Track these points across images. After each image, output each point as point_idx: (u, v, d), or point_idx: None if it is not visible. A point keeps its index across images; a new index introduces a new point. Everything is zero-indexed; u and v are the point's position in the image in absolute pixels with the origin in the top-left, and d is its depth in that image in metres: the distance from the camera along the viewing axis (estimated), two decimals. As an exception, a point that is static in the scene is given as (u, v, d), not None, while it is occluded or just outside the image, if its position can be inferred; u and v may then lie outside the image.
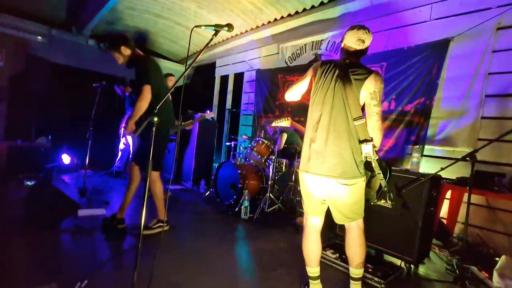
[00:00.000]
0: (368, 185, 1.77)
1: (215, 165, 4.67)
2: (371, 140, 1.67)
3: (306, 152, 1.80)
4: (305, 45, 4.79)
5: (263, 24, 5.14)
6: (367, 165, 1.71)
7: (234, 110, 6.17)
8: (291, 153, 3.99)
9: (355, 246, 1.79)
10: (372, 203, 1.85)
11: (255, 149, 3.83)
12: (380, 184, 1.75)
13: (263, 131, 4.24)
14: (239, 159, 4.32)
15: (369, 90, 1.66)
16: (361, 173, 1.69)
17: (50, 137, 5.28)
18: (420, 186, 2.31)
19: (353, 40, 1.75)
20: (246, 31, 5.49)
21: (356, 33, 1.75)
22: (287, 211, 3.66)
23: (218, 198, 3.95)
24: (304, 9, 4.43)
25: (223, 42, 6.16)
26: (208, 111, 4.20)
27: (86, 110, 4.30)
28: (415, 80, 3.39)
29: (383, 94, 2.90)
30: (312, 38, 4.65)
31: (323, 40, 4.52)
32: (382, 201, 1.86)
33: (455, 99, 3.16)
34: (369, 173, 1.73)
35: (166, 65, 7.35)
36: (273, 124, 3.02)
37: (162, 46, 6.98)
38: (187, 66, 1.89)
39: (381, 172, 1.71)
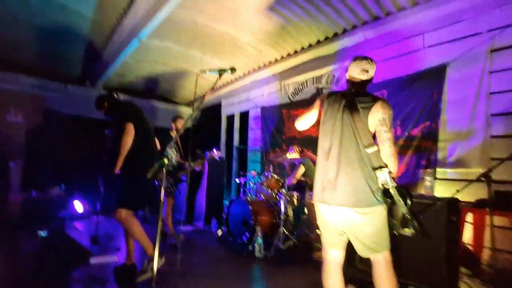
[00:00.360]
0: (390, 213, 1.71)
1: (226, 202, 4.63)
2: (386, 166, 1.65)
3: (319, 183, 1.79)
4: (306, 80, 4.98)
5: (265, 65, 5.41)
6: (386, 192, 1.67)
7: (242, 147, 6.26)
8: (303, 186, 3.96)
9: (384, 281, 1.67)
10: (396, 233, 1.76)
11: (264, 183, 3.82)
12: (402, 211, 1.68)
13: (271, 166, 4.25)
14: (249, 195, 4.29)
15: (378, 117, 1.67)
16: (379, 200, 1.65)
17: (63, 186, 5.39)
18: (437, 210, 2.24)
19: (357, 71, 1.79)
20: (249, 72, 5.77)
21: (359, 63, 1.80)
22: (304, 247, 3.52)
23: (230, 237, 3.86)
24: (302, 48, 4.68)
25: (227, 84, 6.46)
26: (215, 151, 4.21)
27: (97, 158, 4.45)
28: (417, 105, 3.44)
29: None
30: (313, 73, 4.85)
31: (322, 75, 4.71)
32: (406, 230, 1.78)
33: (461, 121, 3.17)
34: (389, 200, 1.68)
35: (174, 108, 7.69)
36: (288, 157, 3.02)
37: (170, 91, 7.33)
38: (194, 108, 1.99)
39: (400, 199, 1.64)
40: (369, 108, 1.69)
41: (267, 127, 5.52)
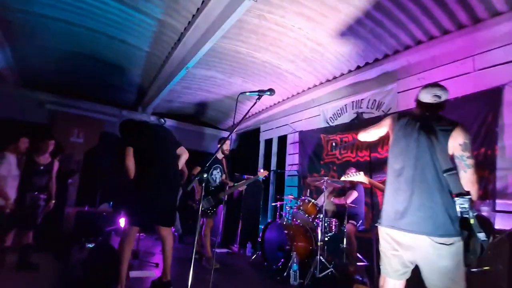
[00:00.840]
0: (466, 247, 1.52)
1: (262, 226, 4.57)
2: (468, 193, 1.51)
3: (390, 206, 1.68)
4: (345, 105, 4.93)
5: (303, 91, 5.49)
6: (463, 223, 1.51)
7: (279, 171, 6.24)
8: (342, 213, 3.79)
9: None
10: (471, 270, 1.59)
11: (301, 207, 3.72)
12: (482, 246, 1.49)
13: (308, 190, 4.16)
14: (285, 219, 4.19)
15: (459, 141, 1.58)
16: (458, 231, 1.50)
17: (111, 203, 5.79)
18: (499, 244, 1.99)
19: (428, 96, 1.74)
20: (288, 97, 5.90)
21: (431, 89, 1.74)
22: (342, 278, 3.30)
23: (265, 262, 3.76)
24: (342, 74, 4.70)
25: (266, 109, 6.63)
26: (261, 170, 4.18)
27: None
28: (469, 130, 3.19)
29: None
30: (352, 98, 4.80)
31: (363, 99, 4.63)
32: (485, 267, 1.59)
33: (523, 147, 2.86)
34: (466, 232, 1.51)
35: (218, 134, 8.14)
36: (343, 179, 2.85)
37: (213, 117, 7.72)
38: (233, 129, 2.08)
39: (482, 231, 1.48)
40: (449, 132, 1.61)
41: (305, 152, 5.48)
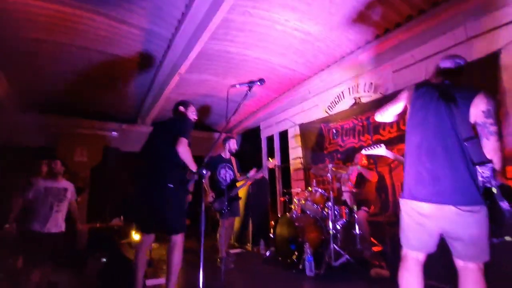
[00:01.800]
0: (489, 217, 1.49)
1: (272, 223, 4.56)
2: (490, 162, 1.48)
3: (411, 178, 1.64)
4: (342, 92, 4.90)
5: (298, 83, 5.47)
6: (486, 192, 1.48)
7: (283, 165, 6.23)
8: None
9: None
10: (493, 240, 1.53)
11: (309, 198, 3.70)
12: (505, 215, 1.45)
13: (315, 181, 4.13)
14: (295, 212, 4.17)
15: (481, 108, 1.54)
16: (482, 200, 1.47)
17: (122, 216, 5.83)
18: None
19: (448, 62, 1.75)
20: (284, 92, 5.88)
21: (449, 57, 1.78)
22: (358, 264, 3.26)
23: (279, 257, 3.74)
24: (335, 61, 4.67)
25: (264, 107, 6.61)
26: (270, 159, 4.03)
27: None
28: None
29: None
30: (348, 84, 4.77)
31: (359, 84, 4.60)
32: (507, 238, 1.55)
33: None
34: (488, 202, 1.48)
35: (210, 137, 8.08)
36: (364, 152, 2.55)
37: (212, 120, 7.72)
38: (226, 125, 2.07)
39: (505, 201, 1.45)
40: (470, 99, 1.56)
41: (307, 144, 5.45)
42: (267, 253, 4.15)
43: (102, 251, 4.61)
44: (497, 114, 1.56)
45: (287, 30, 3.88)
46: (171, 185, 2.37)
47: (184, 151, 2.39)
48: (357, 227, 3.56)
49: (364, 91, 4.48)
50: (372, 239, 3.64)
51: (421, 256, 1.62)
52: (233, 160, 4.20)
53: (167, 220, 2.38)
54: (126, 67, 4.85)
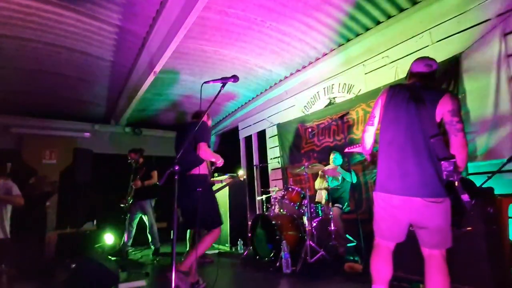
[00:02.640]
0: (452, 209, 1.62)
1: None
2: (453, 157, 1.60)
3: (383, 173, 1.75)
4: (317, 92, 5.01)
5: (275, 84, 5.53)
6: (449, 185, 1.60)
7: (261, 165, 6.27)
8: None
9: (440, 277, 1.58)
10: (456, 230, 1.67)
11: (286, 197, 3.75)
12: (465, 207, 1.60)
13: (291, 179, 4.19)
14: (272, 211, 4.20)
15: (447, 108, 1.65)
16: (446, 192, 1.59)
17: (95, 221, 5.59)
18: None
19: (421, 65, 1.87)
20: (261, 92, 5.91)
21: (423, 60, 1.90)
22: (333, 259, 3.35)
23: (257, 255, 3.75)
24: (310, 62, 4.77)
25: (242, 107, 6.62)
26: (240, 172, 4.26)
27: (124, 190, 4.66)
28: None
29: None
30: (323, 84, 4.89)
31: (333, 84, 4.72)
32: (468, 228, 1.69)
33: (484, 110, 3.01)
34: (451, 195, 1.61)
35: None
36: (347, 151, 2.82)
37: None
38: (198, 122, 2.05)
39: (466, 193, 1.58)
40: (436, 100, 1.68)
41: (284, 144, 5.52)
42: (245, 252, 4.15)
43: (72, 257, 4.40)
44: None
45: (263, 30, 3.92)
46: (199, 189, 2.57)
47: (205, 154, 2.70)
48: (332, 223, 3.66)
49: (339, 92, 4.62)
50: (346, 235, 3.74)
51: (391, 245, 1.74)
52: None
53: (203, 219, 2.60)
54: (98, 65, 4.67)
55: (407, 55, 3.70)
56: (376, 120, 1.93)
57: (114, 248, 4.88)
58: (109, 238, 5.36)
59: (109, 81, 5.22)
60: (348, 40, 4.11)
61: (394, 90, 1.85)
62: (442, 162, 1.59)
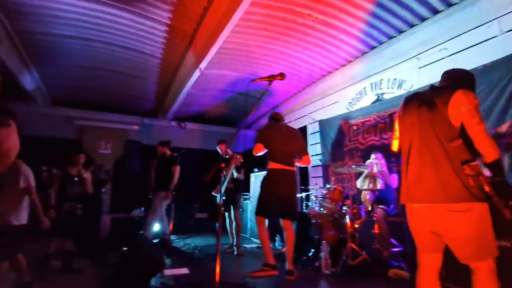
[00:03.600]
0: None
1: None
2: (476, 159, 1.48)
3: (404, 183, 1.71)
4: (364, 88, 4.77)
5: (319, 79, 5.39)
6: (480, 189, 1.46)
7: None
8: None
9: None
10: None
11: (327, 196, 3.65)
12: (504, 213, 1.45)
13: (333, 178, 4.07)
14: (312, 209, 4.13)
15: (461, 109, 1.52)
16: (476, 196, 1.44)
17: (143, 208, 6.01)
18: None
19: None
20: (303, 88, 5.81)
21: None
22: (376, 263, 3.19)
23: (295, 253, 3.72)
24: (357, 56, 4.56)
25: (283, 103, 6.57)
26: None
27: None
28: (501, 97, 2.97)
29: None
30: (370, 80, 4.64)
31: (382, 79, 4.46)
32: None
33: None
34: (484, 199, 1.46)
35: (229, 132, 8.04)
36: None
37: (231, 116, 7.75)
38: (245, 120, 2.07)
39: (499, 198, 1.43)
40: (447, 100, 1.56)
41: (326, 141, 5.37)
42: (283, 249, 4.14)
43: (123, 240, 4.79)
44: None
45: (308, 24, 3.82)
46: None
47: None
48: (376, 226, 3.48)
49: (388, 87, 4.34)
50: (391, 240, 3.54)
51: (435, 261, 1.62)
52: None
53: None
54: (149, 63, 4.96)
55: (469, 47, 3.35)
56: (398, 133, 1.89)
57: (159, 235, 5.20)
58: (154, 225, 5.73)
59: (158, 77, 5.51)
60: (401, 32, 3.84)
61: (408, 99, 1.81)
62: (465, 166, 1.46)
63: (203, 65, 4.42)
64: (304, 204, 4.51)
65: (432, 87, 1.75)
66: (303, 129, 6.30)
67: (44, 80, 5.54)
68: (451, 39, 3.51)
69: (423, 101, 1.68)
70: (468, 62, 3.20)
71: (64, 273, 3.30)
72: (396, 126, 1.88)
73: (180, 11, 3.60)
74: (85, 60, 4.92)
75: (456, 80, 1.73)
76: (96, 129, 6.67)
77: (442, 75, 1.82)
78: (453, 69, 1.82)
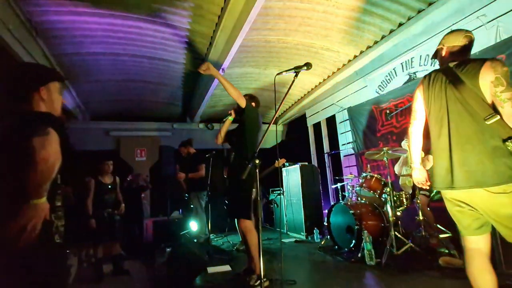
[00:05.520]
0: None
1: (326, 211, 4.46)
2: None
3: (437, 168, 1.63)
4: (394, 69, 4.53)
5: (344, 65, 5.20)
6: None
7: (333, 152, 6.03)
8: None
9: None
10: None
11: (364, 184, 3.52)
12: None
13: (369, 166, 3.91)
14: (349, 200, 4.01)
15: (490, 79, 1.43)
16: None
17: (181, 210, 6.23)
18: None
19: (460, 38, 1.67)
20: (328, 76, 5.63)
21: (459, 32, 1.69)
22: (424, 252, 3.02)
23: (335, 245, 3.65)
24: (383, 36, 4.32)
25: (308, 94, 6.44)
26: (278, 160, 4.30)
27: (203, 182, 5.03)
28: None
29: None
30: (400, 59, 4.39)
31: (413, 57, 4.20)
32: None
33: None
34: None
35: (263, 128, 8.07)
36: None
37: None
38: (274, 116, 2.05)
39: None
40: (476, 74, 1.47)
41: (357, 128, 5.19)
42: (323, 242, 4.08)
43: (166, 242, 5.00)
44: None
45: (328, 10, 3.69)
46: None
47: None
48: (420, 212, 3.30)
49: (420, 65, 4.08)
50: (438, 225, 3.34)
51: (477, 243, 1.52)
52: None
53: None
54: (173, 69, 5.10)
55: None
56: (418, 115, 1.80)
57: (198, 235, 5.37)
58: (193, 226, 5.92)
59: (183, 82, 5.66)
60: (430, 4, 3.57)
61: (430, 79, 1.70)
62: (507, 143, 1.34)
63: (225, 64, 4.45)
64: (340, 195, 4.39)
65: (453, 64, 1.62)
66: (332, 119, 6.15)
67: (81, 97, 5.92)
68: (490, 3, 3.20)
69: (448, 79, 1.58)
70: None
71: (116, 275, 3.52)
72: (418, 107, 1.79)
73: (198, 14, 3.65)
74: (115, 74, 5.18)
75: (468, 51, 1.65)
76: (131, 139, 7.02)
77: (452, 51, 1.68)
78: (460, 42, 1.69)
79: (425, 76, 1.75)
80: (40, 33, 3.74)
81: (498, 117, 1.39)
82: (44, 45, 3.98)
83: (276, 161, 4.37)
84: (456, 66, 1.58)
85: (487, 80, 1.43)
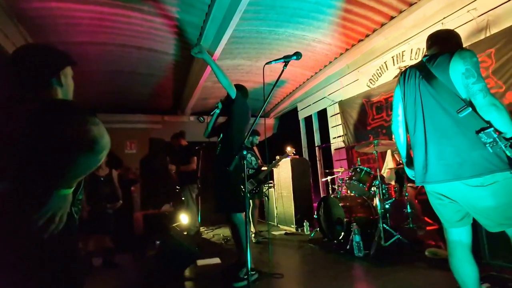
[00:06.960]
0: None
1: (316, 204, 4.49)
2: (488, 126, 1.33)
3: (415, 164, 1.63)
4: (385, 62, 4.53)
5: (335, 58, 5.18)
6: (503, 157, 1.35)
7: (324, 145, 6.05)
8: (401, 175, 3.53)
9: None
10: None
11: (354, 177, 3.55)
12: None
13: (359, 159, 3.94)
14: (339, 192, 4.04)
15: (460, 71, 1.41)
16: (498, 166, 1.33)
17: (171, 203, 6.19)
18: None
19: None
20: (320, 69, 5.62)
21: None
22: (411, 243, 3.08)
23: (325, 238, 3.69)
24: (374, 30, 4.31)
25: (300, 87, 6.42)
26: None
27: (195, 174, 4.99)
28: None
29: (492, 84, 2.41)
30: (391, 53, 4.38)
31: (404, 51, 4.20)
32: None
33: None
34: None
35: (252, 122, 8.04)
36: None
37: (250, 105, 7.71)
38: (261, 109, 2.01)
39: None
40: (446, 67, 1.45)
41: (348, 121, 5.20)
42: (312, 234, 4.12)
43: (156, 235, 4.97)
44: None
45: (320, 1, 3.64)
46: None
47: None
48: (408, 205, 3.35)
49: (411, 59, 4.09)
50: (426, 218, 3.40)
51: (458, 235, 1.54)
52: (255, 149, 4.58)
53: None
54: (163, 60, 4.99)
55: (504, 3, 3.04)
56: (398, 111, 1.79)
57: (189, 228, 5.35)
58: (184, 218, 5.90)
59: (173, 73, 5.55)
60: (421, -3, 3.56)
61: (405, 75, 1.70)
62: (479, 134, 1.33)
63: (216, 56, 4.37)
64: (330, 188, 4.42)
65: (425, 57, 1.63)
66: (323, 112, 6.15)
67: (67, 88, 5.74)
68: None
69: (421, 74, 1.58)
70: (503, 20, 2.92)
71: (106, 268, 3.48)
72: (396, 103, 1.79)
73: (187, 3, 3.55)
74: (103, 65, 5.03)
75: (444, 42, 1.63)
76: (120, 131, 6.88)
77: (427, 40, 1.71)
78: (437, 30, 1.74)
79: (401, 72, 1.76)
80: (23, 22, 3.58)
81: (470, 109, 1.38)
82: (27, 34, 3.83)
83: (278, 156, 4.38)
84: (428, 60, 1.58)
85: (459, 72, 1.42)
